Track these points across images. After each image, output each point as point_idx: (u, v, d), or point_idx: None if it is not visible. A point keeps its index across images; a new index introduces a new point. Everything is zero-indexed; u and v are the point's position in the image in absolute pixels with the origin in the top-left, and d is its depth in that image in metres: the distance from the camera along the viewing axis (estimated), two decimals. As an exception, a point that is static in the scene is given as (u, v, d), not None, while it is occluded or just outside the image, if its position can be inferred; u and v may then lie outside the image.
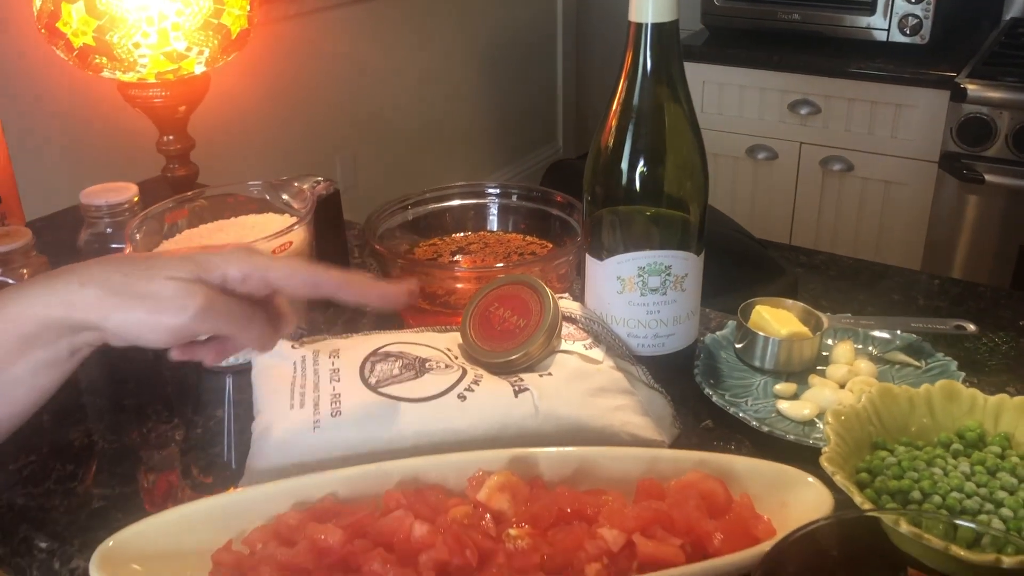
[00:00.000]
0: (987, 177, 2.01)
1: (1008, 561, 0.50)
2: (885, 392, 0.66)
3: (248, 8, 0.91)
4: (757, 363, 0.78)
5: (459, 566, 0.54)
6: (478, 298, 0.75)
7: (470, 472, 0.61)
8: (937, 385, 0.66)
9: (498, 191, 0.88)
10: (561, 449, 0.63)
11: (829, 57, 2.21)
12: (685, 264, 0.73)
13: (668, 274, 0.73)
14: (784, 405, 0.72)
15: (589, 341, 0.73)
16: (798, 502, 0.59)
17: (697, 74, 2.36)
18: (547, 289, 0.73)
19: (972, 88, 2.00)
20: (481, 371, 0.69)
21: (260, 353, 0.60)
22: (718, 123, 2.40)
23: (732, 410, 0.71)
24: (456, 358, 0.71)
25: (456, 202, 0.87)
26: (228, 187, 0.83)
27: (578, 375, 0.69)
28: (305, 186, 0.83)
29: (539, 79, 3.62)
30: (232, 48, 0.91)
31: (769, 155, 2.35)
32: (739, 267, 1.29)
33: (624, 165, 0.71)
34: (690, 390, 0.75)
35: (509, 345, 0.71)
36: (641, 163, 0.71)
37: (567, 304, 0.77)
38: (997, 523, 0.56)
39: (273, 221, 0.82)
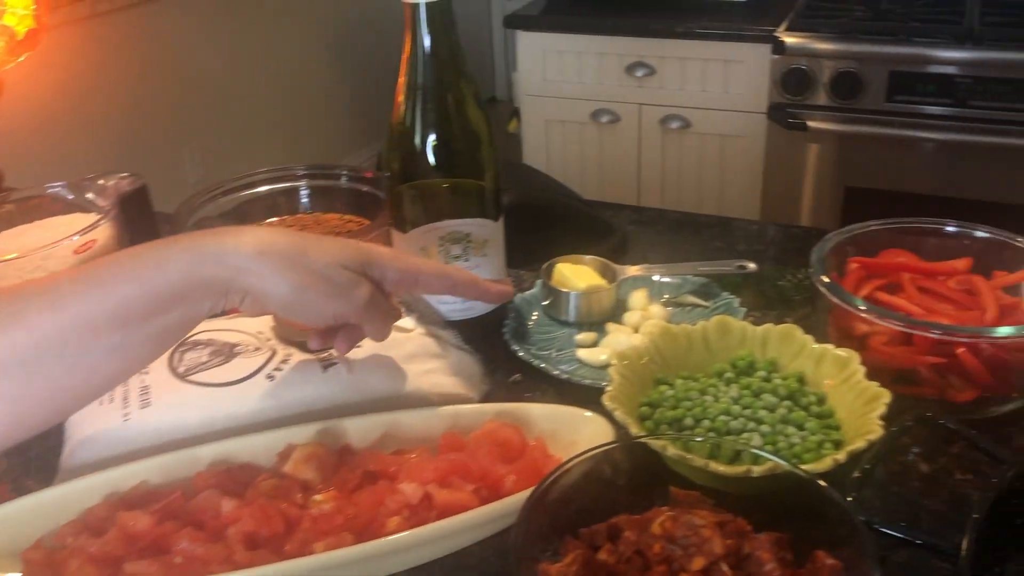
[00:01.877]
0: (810, 124, 2.14)
1: (757, 471, 0.56)
2: (665, 332, 0.71)
3: (34, 7, 0.89)
4: (562, 317, 0.83)
5: (267, 535, 0.57)
6: (288, 280, 0.77)
7: (280, 448, 0.63)
8: (712, 321, 0.72)
9: (307, 172, 0.89)
10: (367, 416, 0.66)
11: (659, 19, 2.29)
12: (484, 230, 0.77)
13: (468, 241, 0.76)
14: (583, 353, 0.77)
15: (401, 310, 0.76)
16: (586, 439, 0.64)
17: (537, 43, 2.41)
18: (354, 265, 0.75)
19: (791, 41, 2.11)
20: (292, 350, 0.71)
21: (378, 342, 0.65)
22: (561, 90, 2.46)
23: (536, 362, 0.76)
24: (268, 340, 0.73)
25: (266, 188, 0.89)
26: (28, 190, 0.82)
27: (388, 344, 0.72)
28: (110, 183, 0.83)
29: (394, 62, 3.61)
30: (21, 49, 0.89)
31: (612, 118, 2.43)
32: (570, 231, 1.34)
33: (415, 141, 0.74)
34: (500, 348, 0.79)
35: (319, 322, 0.73)
36: (430, 137, 0.74)
37: (378, 278, 0.80)
38: (757, 439, 0.62)
39: (79, 220, 0.81)
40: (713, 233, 1.39)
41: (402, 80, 0.73)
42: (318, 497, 0.58)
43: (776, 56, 2.14)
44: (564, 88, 2.45)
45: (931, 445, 0.67)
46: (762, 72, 2.19)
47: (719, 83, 2.28)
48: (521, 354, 0.77)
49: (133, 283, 0.51)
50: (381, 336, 0.62)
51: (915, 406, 0.69)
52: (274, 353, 0.70)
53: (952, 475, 0.64)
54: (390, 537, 0.55)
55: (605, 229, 1.36)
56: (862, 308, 0.67)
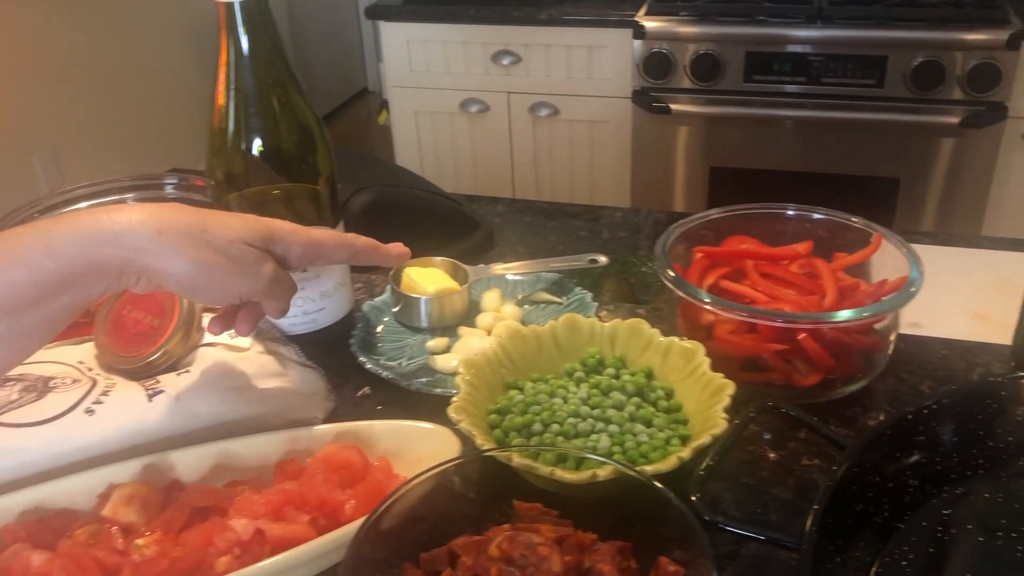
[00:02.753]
0: (673, 107, 2.17)
1: (602, 475, 0.54)
2: (514, 334, 0.69)
3: None
4: (414, 323, 0.80)
5: (82, 590, 0.52)
6: (110, 304, 0.71)
7: (101, 490, 0.58)
8: (561, 320, 0.70)
9: (133, 184, 0.84)
10: (196, 447, 0.62)
11: (521, 6, 2.28)
12: (321, 238, 0.73)
13: (305, 251, 0.72)
14: (435, 360, 0.75)
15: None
16: (433, 454, 0.61)
17: (401, 34, 2.36)
18: (182, 283, 0.70)
19: (650, 26, 2.13)
20: (115, 379, 0.66)
21: (276, 319, 0.67)
22: (429, 81, 2.42)
23: (384, 373, 0.72)
24: (90, 370, 0.68)
25: (87, 203, 0.82)
26: None
27: (221, 367, 0.68)
28: (-95, 208, 0.75)
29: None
30: None
31: (481, 107, 2.41)
32: (434, 227, 1.31)
33: (239, 146, 0.70)
34: (349, 360, 0.76)
35: (146, 348, 0.68)
36: (255, 142, 0.70)
37: (212, 294, 0.75)
38: (606, 440, 0.61)
39: None
40: (580, 223, 1.39)
41: (221, 83, 0.69)
42: (140, 541, 0.54)
43: (637, 41, 2.15)
44: (431, 78, 2.42)
45: (780, 431, 0.67)
46: (625, 57, 2.21)
47: (584, 69, 2.29)
48: (369, 366, 0.73)
49: (19, 269, 0.48)
50: (281, 313, 0.60)
51: (764, 392, 0.70)
52: (94, 384, 0.65)
53: (799, 461, 0.64)
54: (217, 580, 0.51)
55: (470, 224, 1.34)
56: (706, 301, 0.67)
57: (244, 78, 0.68)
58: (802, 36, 2.04)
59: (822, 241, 0.75)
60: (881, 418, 0.68)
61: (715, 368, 0.65)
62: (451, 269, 0.82)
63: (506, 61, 2.33)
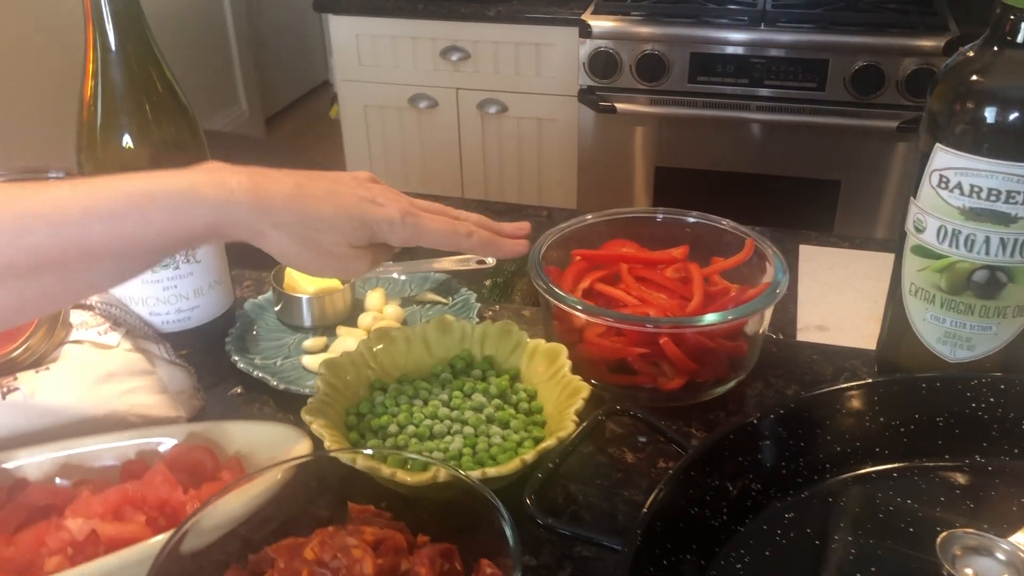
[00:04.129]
0: (619, 106, 2.17)
1: (441, 477, 0.54)
2: (383, 335, 0.69)
3: None
4: (296, 322, 0.79)
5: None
6: (-25, 299, 0.70)
7: (-58, 490, 0.58)
8: (432, 321, 0.70)
9: (10, 178, 0.82)
10: (43, 446, 0.61)
11: (470, 2, 2.28)
12: (196, 235, 0.72)
13: (176, 248, 0.72)
14: (308, 360, 0.74)
15: (106, 326, 0.71)
16: (287, 455, 0.61)
17: (349, 27, 2.35)
18: (50, 279, 0.70)
19: (596, 24, 2.14)
20: (-29, 377, 0.65)
21: None
22: (377, 75, 2.41)
23: (255, 372, 0.72)
24: (-53, 367, 0.67)
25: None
26: None
27: (83, 364, 0.67)
28: None
29: (211, 41, 3.45)
30: None
31: (430, 103, 2.40)
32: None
33: (108, 142, 0.69)
34: (224, 359, 0.75)
35: (7, 344, 0.68)
36: (124, 138, 0.69)
37: (86, 291, 0.74)
38: (458, 442, 0.61)
39: None
40: (505, 221, 1.39)
41: (88, 76, 0.68)
42: (-30, 542, 0.53)
43: (583, 39, 2.15)
44: (380, 73, 2.40)
45: (644, 433, 0.68)
46: (571, 56, 2.21)
47: (532, 67, 2.29)
48: (241, 365, 0.73)
49: (148, 229, 0.51)
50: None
51: (632, 395, 0.70)
52: (-53, 382, 0.64)
53: (656, 463, 0.65)
54: (41, 581, 0.51)
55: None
56: (578, 308, 0.67)
57: (111, 73, 0.68)
58: (745, 38, 2.05)
59: (697, 246, 0.75)
60: (747, 421, 0.69)
61: (587, 370, 0.66)
62: (336, 268, 0.82)
63: (455, 57, 2.32)
